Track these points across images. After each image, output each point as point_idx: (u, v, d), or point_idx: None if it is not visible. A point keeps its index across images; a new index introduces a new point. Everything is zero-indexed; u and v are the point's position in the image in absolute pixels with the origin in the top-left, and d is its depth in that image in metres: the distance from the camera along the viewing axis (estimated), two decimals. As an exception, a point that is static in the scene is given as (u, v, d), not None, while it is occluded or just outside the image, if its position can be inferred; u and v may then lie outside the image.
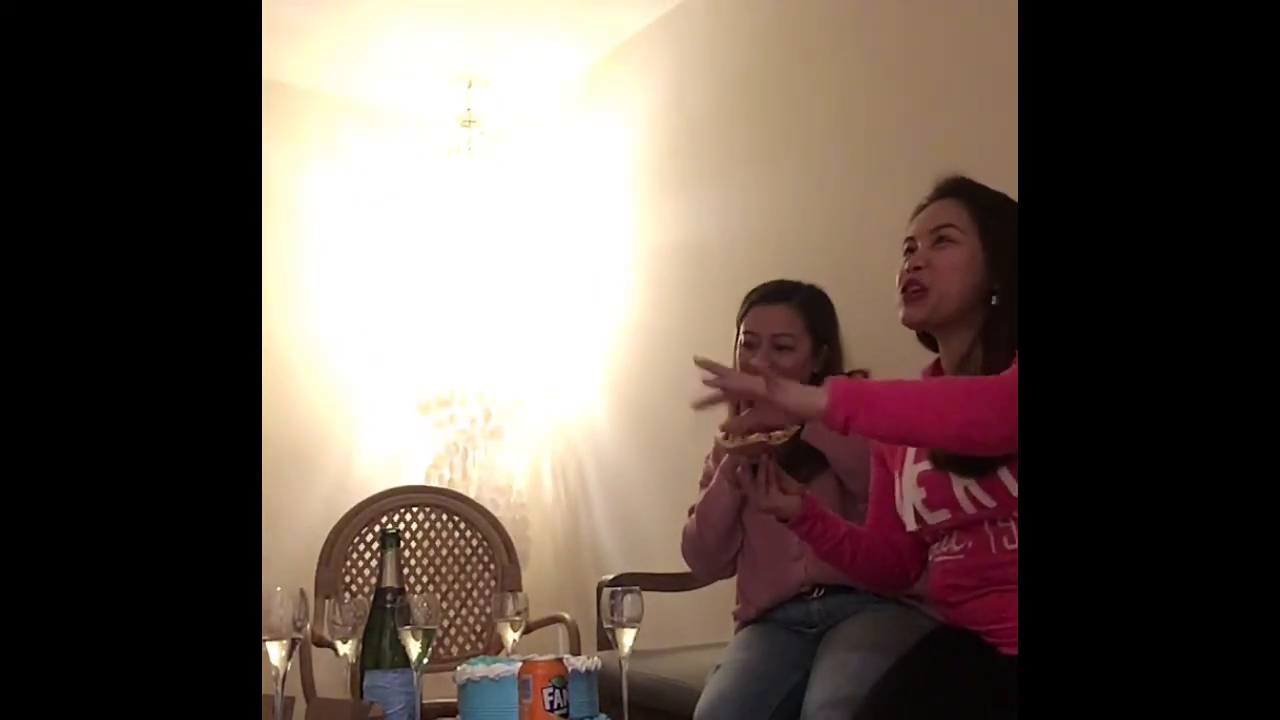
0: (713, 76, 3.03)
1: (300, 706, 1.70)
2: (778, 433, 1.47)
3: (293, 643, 1.39)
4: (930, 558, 1.49)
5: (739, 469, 1.55)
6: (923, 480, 1.43)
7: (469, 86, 3.55)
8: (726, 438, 1.50)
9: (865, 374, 1.93)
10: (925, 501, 1.43)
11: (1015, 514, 1.33)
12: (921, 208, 1.53)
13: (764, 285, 1.99)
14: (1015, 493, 1.31)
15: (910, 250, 1.50)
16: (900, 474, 1.49)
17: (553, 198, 3.61)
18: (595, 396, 3.38)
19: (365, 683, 1.64)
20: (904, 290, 1.47)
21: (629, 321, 3.27)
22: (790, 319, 1.92)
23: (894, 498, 1.51)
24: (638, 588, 1.60)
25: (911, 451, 1.47)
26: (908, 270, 1.47)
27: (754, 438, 1.46)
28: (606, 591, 1.61)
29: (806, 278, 2.01)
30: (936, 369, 1.53)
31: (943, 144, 2.28)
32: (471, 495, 3.10)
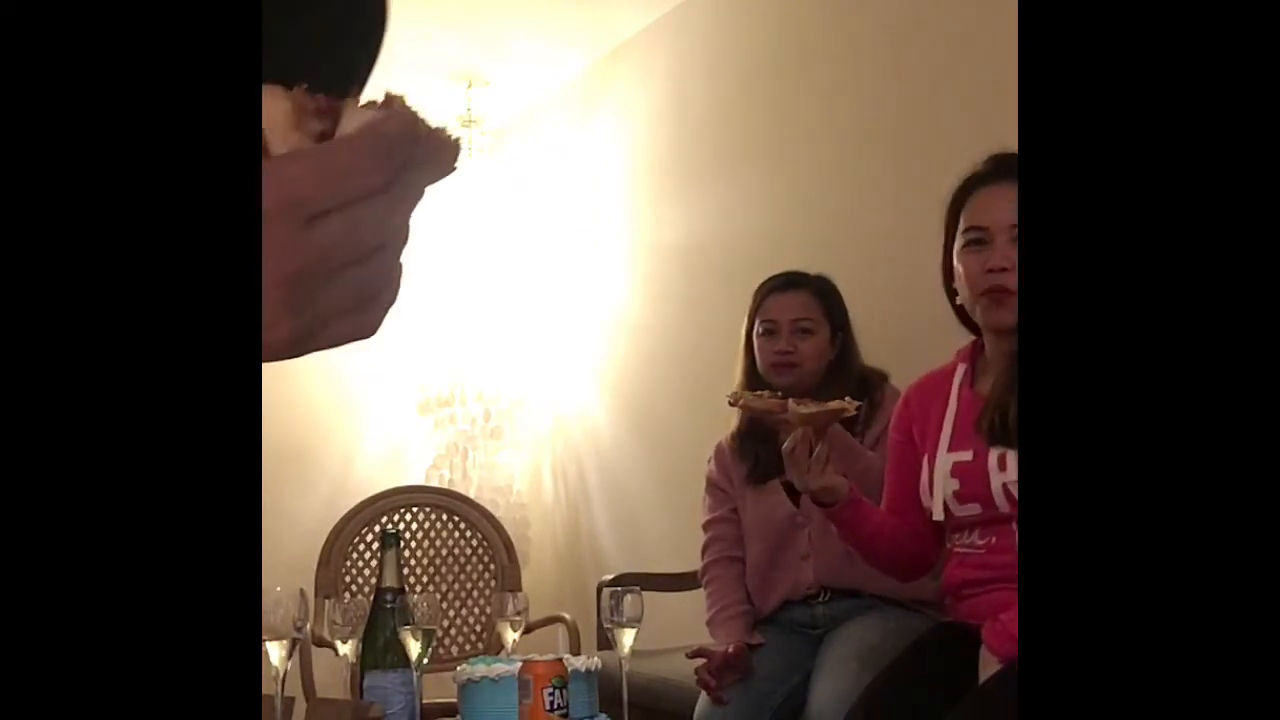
0: (713, 76, 3.03)
1: (300, 706, 1.70)
2: (854, 401, 1.41)
3: (293, 643, 1.39)
4: (949, 546, 1.45)
5: (790, 443, 1.44)
6: (957, 471, 1.38)
7: (469, 86, 3.54)
8: (799, 403, 1.42)
9: (885, 377, 1.92)
10: (957, 494, 1.38)
11: None
12: (973, 182, 1.34)
13: (775, 276, 2.00)
14: None
15: (979, 243, 1.31)
16: (932, 460, 1.43)
17: (553, 198, 3.61)
18: (595, 396, 3.38)
19: (365, 683, 1.64)
20: (987, 292, 1.31)
21: (629, 321, 3.27)
22: (808, 303, 1.93)
23: (918, 480, 1.45)
24: (638, 588, 1.60)
25: (946, 436, 1.41)
26: (986, 270, 1.30)
27: (834, 404, 1.40)
28: (606, 591, 1.61)
29: (808, 275, 2.02)
30: (974, 354, 1.44)
31: (943, 143, 2.28)
32: (471, 495, 3.09)
